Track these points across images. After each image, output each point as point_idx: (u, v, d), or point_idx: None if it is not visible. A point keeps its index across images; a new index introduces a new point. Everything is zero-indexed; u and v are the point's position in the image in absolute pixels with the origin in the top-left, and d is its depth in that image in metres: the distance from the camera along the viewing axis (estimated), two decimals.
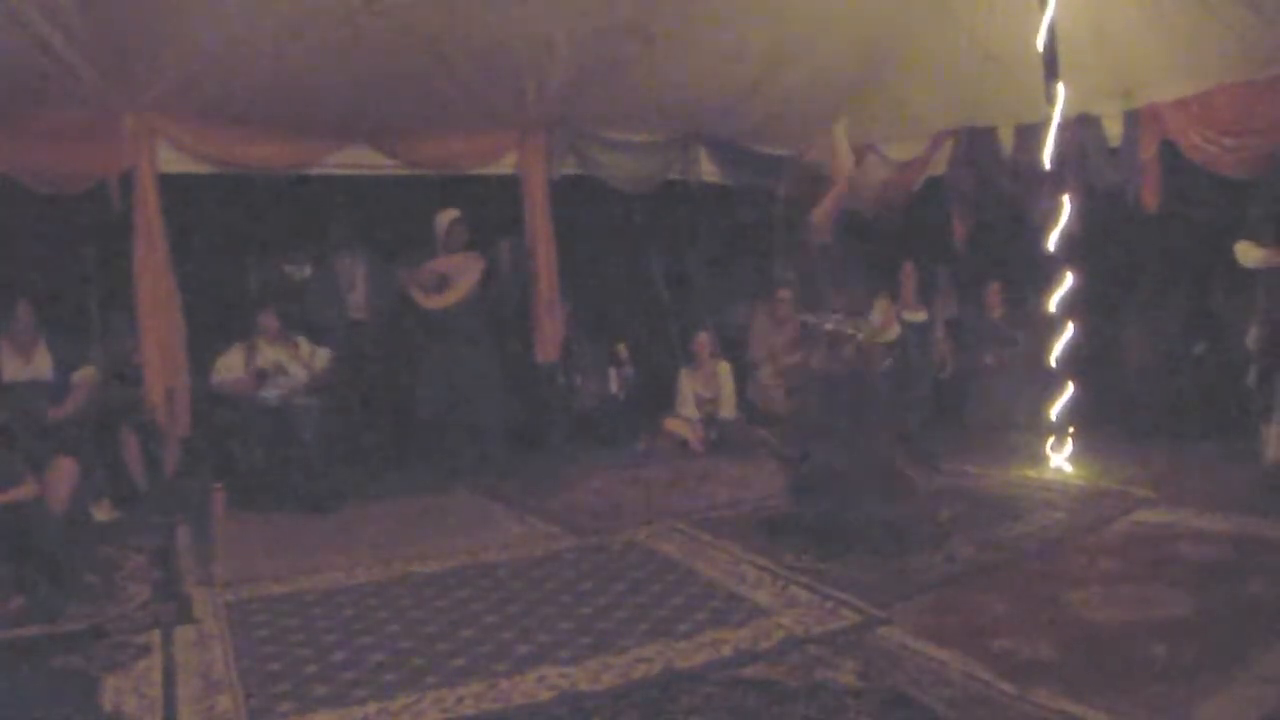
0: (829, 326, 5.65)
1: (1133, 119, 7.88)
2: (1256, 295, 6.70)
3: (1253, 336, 6.71)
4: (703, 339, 9.11)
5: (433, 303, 7.93)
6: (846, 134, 5.96)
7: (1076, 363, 7.06)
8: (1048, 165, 7.06)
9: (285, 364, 7.50)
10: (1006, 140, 8.73)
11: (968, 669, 3.78)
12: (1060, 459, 7.02)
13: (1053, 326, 7.04)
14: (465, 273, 7.98)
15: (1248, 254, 6.61)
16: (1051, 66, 6.76)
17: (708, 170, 9.67)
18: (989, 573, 5.00)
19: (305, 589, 5.21)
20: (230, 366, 7.44)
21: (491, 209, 8.76)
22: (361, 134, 7.95)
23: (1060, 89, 6.80)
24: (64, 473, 5.72)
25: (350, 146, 7.97)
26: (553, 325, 8.77)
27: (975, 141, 8.99)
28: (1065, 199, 6.98)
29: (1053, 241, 6.99)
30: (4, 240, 7.49)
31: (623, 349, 9.56)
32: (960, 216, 9.43)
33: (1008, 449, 7.48)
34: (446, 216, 8.03)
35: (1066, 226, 6.96)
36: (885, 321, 9.15)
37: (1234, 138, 7.16)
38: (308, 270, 9.11)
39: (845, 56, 8.16)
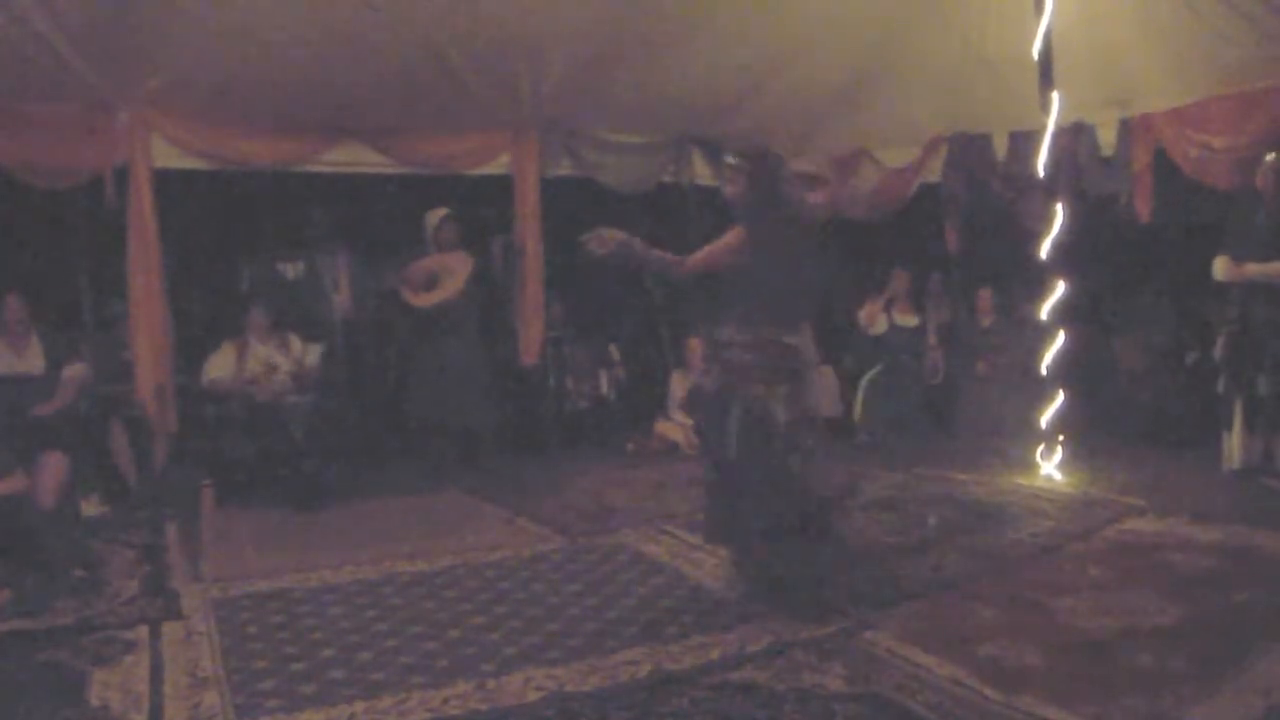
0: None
1: (1127, 128, 7.90)
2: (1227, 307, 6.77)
3: (1220, 346, 6.82)
4: (695, 343, 9.10)
5: (421, 301, 7.92)
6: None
7: (1068, 370, 7.07)
8: (1041, 172, 7.07)
9: (276, 362, 7.48)
10: (1000, 147, 8.75)
11: (953, 675, 3.78)
12: (1050, 467, 7.02)
13: (1045, 334, 7.05)
14: (454, 271, 7.97)
15: (1218, 268, 6.71)
16: (1047, 74, 6.75)
17: (701, 172, 9.68)
18: (977, 579, 5.00)
19: (293, 586, 5.20)
20: (221, 365, 7.43)
21: (483, 208, 8.76)
22: (356, 132, 7.98)
23: (1055, 97, 6.80)
24: (53, 467, 5.72)
25: (344, 144, 8.00)
26: (538, 327, 8.78)
27: (969, 147, 8.99)
28: (1058, 207, 6.99)
29: (1045, 249, 7.00)
30: None
31: (614, 351, 9.56)
32: (953, 222, 9.44)
33: (998, 456, 7.49)
34: (436, 215, 8.02)
35: (1059, 234, 6.96)
36: (869, 322, 9.18)
37: (1227, 148, 7.18)
38: (301, 267, 9.09)
39: (841, 60, 8.14)
